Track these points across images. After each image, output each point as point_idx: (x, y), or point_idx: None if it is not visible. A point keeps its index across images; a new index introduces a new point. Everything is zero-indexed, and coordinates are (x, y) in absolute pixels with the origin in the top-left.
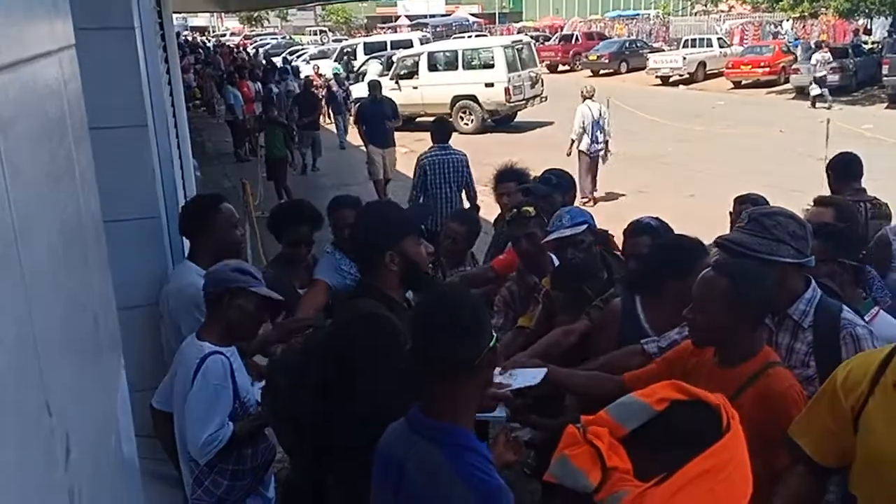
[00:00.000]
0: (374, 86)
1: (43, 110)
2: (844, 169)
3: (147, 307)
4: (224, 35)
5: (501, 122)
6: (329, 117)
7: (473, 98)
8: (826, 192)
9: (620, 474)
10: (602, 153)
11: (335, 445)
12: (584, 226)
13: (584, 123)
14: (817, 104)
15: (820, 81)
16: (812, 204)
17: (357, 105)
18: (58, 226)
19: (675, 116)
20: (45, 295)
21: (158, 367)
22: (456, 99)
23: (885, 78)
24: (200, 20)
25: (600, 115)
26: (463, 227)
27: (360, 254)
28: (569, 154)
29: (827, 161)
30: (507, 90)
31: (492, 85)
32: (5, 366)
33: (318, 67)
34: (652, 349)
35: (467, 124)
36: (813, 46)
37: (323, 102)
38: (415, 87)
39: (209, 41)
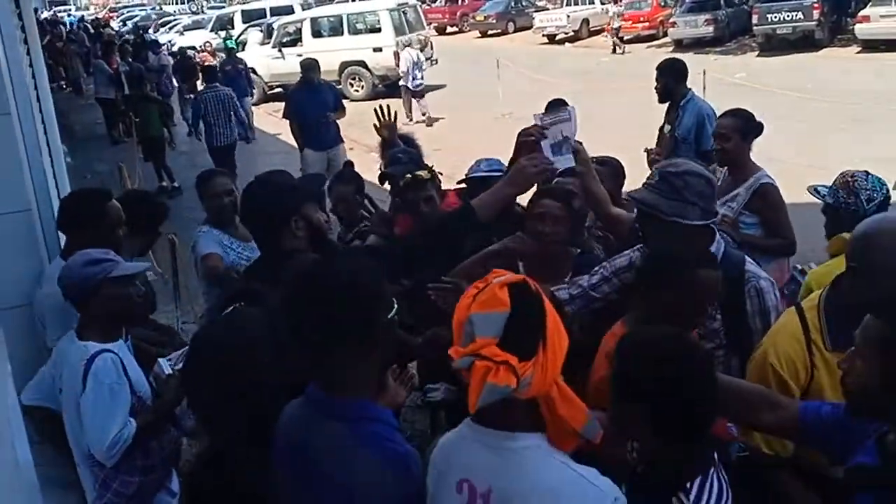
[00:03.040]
0: (309, 66)
1: None
2: (678, 72)
3: (25, 307)
4: (87, 10)
5: (392, 86)
6: None
7: (362, 64)
8: None
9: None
10: (421, 88)
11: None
12: (500, 173)
13: (408, 66)
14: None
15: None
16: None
17: (287, 94)
18: None
19: (563, 75)
20: None
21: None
22: (344, 65)
23: (755, 27)
24: None
25: (418, 59)
26: (349, 187)
27: (264, 223)
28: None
29: None
30: (396, 54)
31: (380, 50)
32: None
33: (211, 45)
34: (563, 295)
35: (357, 91)
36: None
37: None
38: (299, 56)
39: (71, 16)
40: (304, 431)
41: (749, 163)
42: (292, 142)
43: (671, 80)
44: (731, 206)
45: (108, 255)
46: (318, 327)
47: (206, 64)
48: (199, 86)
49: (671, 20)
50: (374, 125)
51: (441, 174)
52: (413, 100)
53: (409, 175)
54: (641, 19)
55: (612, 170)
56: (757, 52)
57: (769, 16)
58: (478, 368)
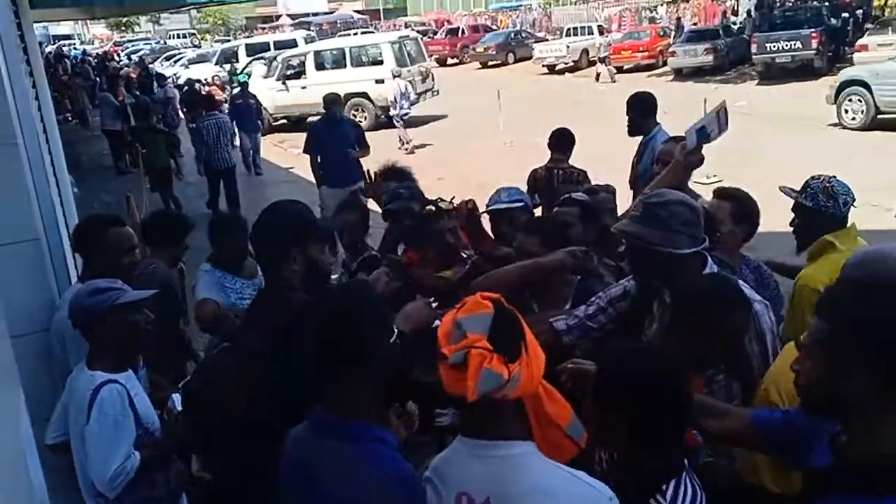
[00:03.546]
0: (332, 100)
1: None
2: (645, 106)
3: (35, 335)
4: (91, 43)
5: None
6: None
7: (365, 95)
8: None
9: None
10: (406, 117)
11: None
12: (520, 203)
13: (395, 96)
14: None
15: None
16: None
17: (309, 128)
18: None
19: (563, 104)
20: None
21: (51, 398)
22: (347, 97)
23: (754, 56)
24: (64, 28)
25: (406, 89)
26: (354, 215)
27: (264, 250)
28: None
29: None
30: (411, 85)
31: (382, 81)
32: None
33: (220, 78)
34: (560, 326)
35: (360, 121)
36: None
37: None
38: (303, 87)
39: (76, 50)
40: (308, 453)
41: (688, 189)
42: (300, 172)
43: (637, 114)
44: None
45: (114, 283)
46: (319, 353)
47: (215, 97)
48: None
49: (670, 49)
50: (361, 188)
51: (468, 204)
52: (403, 127)
53: (430, 206)
54: (641, 49)
55: (611, 197)
56: (757, 81)
57: (768, 45)
58: (474, 356)
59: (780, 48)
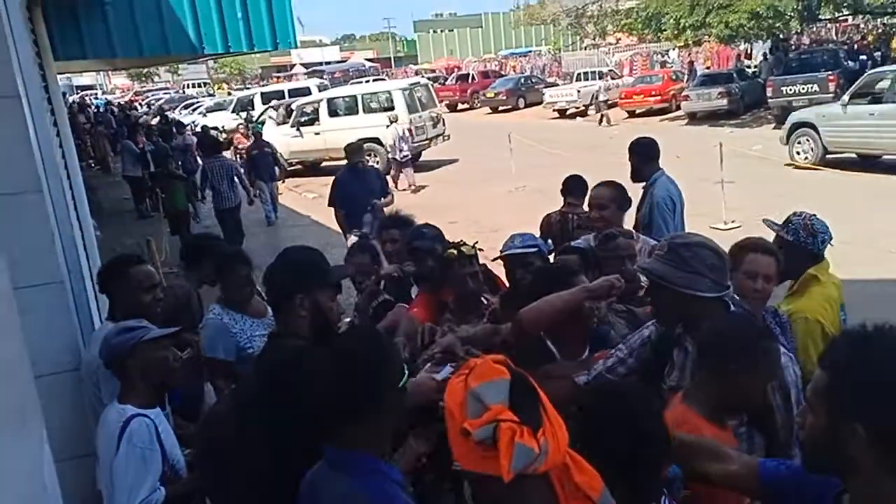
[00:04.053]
0: (355, 150)
1: None
2: (646, 151)
3: (59, 375)
4: (112, 93)
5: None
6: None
7: (377, 140)
8: (727, 214)
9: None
10: (407, 159)
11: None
12: (535, 248)
13: (394, 140)
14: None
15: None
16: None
17: (334, 180)
18: None
19: (574, 148)
20: None
21: (76, 436)
22: (359, 142)
23: (769, 100)
24: (86, 79)
25: (404, 133)
26: (365, 256)
27: (273, 292)
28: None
29: (722, 182)
30: (409, 131)
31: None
32: None
33: (247, 127)
34: (581, 381)
35: (373, 166)
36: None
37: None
38: (317, 133)
39: (98, 99)
40: (319, 486)
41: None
42: (315, 217)
43: (639, 159)
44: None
45: (141, 323)
46: (327, 397)
47: (240, 146)
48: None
49: (684, 93)
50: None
51: (482, 249)
52: (402, 171)
53: (451, 251)
54: (653, 93)
55: (616, 192)
56: (773, 125)
57: (784, 88)
58: (505, 430)
59: (797, 91)
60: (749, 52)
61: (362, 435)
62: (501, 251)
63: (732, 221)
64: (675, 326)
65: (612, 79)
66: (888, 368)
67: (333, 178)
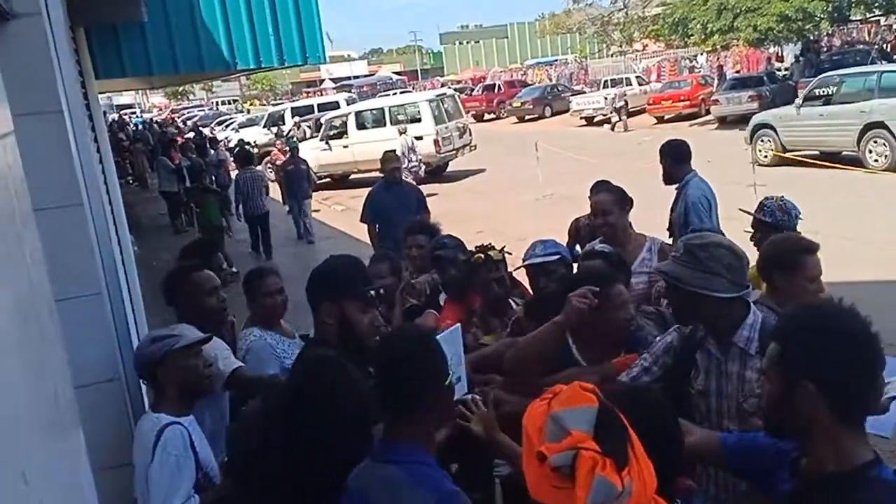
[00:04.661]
0: (390, 158)
1: None
2: (678, 153)
3: (98, 385)
4: (150, 111)
5: (434, 173)
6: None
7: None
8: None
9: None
10: (417, 168)
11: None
12: (557, 255)
13: (403, 151)
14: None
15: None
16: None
17: (368, 195)
18: (14, 304)
19: (602, 156)
20: (13, 370)
21: (113, 446)
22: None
23: None
24: (126, 98)
25: (412, 144)
26: (384, 265)
27: (308, 296)
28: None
29: (754, 186)
30: (436, 142)
31: (421, 138)
32: None
33: (283, 142)
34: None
35: (410, 182)
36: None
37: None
38: (345, 146)
39: (137, 117)
40: (365, 477)
41: (632, 231)
42: (344, 229)
43: (669, 161)
44: (646, 272)
45: (172, 331)
46: (382, 399)
47: (277, 161)
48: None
49: (713, 98)
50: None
51: (510, 253)
52: (410, 178)
53: (480, 255)
54: (682, 98)
55: (617, 196)
56: None
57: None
58: (585, 459)
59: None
60: (779, 54)
61: (408, 429)
62: (523, 259)
63: None
64: (695, 327)
65: (640, 85)
66: (827, 330)
67: (367, 192)
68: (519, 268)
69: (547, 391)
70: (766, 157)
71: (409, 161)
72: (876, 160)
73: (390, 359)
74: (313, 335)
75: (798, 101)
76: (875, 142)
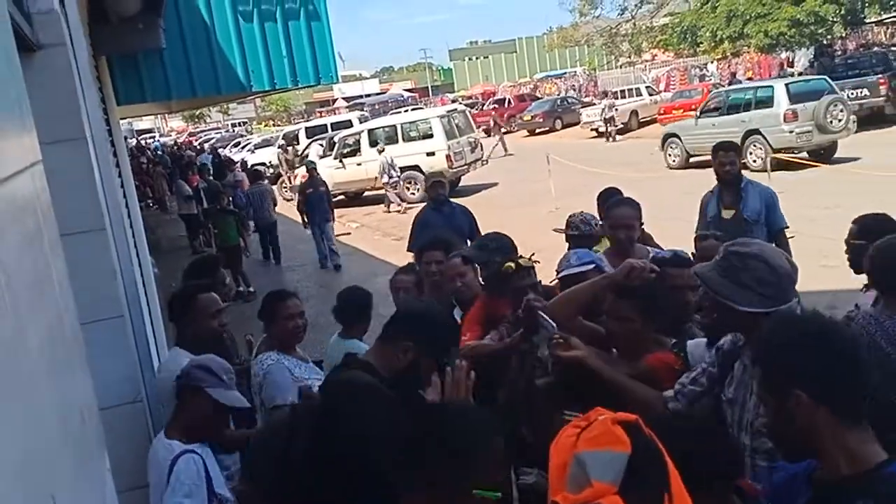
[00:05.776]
0: (436, 184)
1: (23, 222)
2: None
3: (120, 407)
4: (168, 135)
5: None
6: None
7: (417, 168)
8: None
9: None
10: (396, 184)
11: None
12: (592, 265)
13: (383, 167)
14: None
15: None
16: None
17: (415, 219)
18: (45, 329)
19: (613, 167)
20: (43, 395)
21: (134, 468)
22: (401, 171)
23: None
24: (145, 123)
25: (392, 161)
26: (410, 277)
27: (393, 324)
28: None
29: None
30: (448, 157)
31: (433, 154)
32: (21, 458)
33: (299, 162)
34: (668, 394)
35: (413, 193)
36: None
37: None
38: (359, 164)
39: (155, 142)
40: None
41: (647, 238)
42: (358, 245)
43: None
44: None
45: (224, 374)
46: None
47: (293, 181)
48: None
49: None
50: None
51: (538, 262)
52: (391, 192)
53: (510, 263)
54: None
55: (637, 209)
56: None
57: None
58: None
59: (847, 96)
60: (791, 60)
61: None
62: (558, 271)
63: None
64: (719, 334)
65: (650, 95)
66: (792, 338)
67: (414, 216)
68: (554, 280)
69: (581, 417)
70: (674, 161)
71: (390, 177)
72: (755, 161)
73: (430, 438)
74: (362, 356)
75: (696, 113)
76: (754, 146)
